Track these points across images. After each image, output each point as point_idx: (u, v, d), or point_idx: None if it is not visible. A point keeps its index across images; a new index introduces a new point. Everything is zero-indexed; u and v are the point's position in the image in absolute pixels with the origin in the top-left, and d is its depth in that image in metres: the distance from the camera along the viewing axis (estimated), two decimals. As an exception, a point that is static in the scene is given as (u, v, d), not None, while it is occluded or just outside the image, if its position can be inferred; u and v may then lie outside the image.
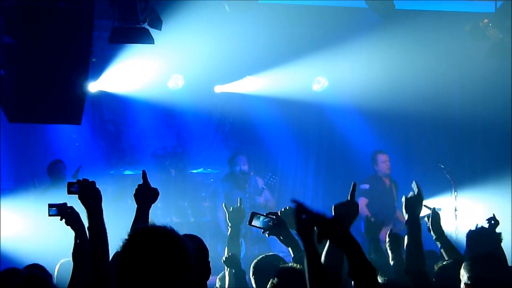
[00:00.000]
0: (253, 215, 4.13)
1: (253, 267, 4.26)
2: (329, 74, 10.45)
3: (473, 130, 10.79)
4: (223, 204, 5.10)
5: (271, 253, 4.65)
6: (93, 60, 7.35)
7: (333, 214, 3.42)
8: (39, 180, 9.59)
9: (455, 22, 9.29)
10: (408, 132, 10.99)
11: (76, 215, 4.15)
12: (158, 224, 2.53)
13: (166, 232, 2.48)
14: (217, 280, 5.21)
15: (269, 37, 9.81)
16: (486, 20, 8.71)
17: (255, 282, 4.21)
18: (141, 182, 4.00)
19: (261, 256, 4.38)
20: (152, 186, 4.02)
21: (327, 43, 9.77)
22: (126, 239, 2.45)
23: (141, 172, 4.05)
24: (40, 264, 5.03)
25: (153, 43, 7.74)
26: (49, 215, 4.32)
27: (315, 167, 10.98)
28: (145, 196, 3.95)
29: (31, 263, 5.12)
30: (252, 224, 4.16)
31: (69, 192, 4.06)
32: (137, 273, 2.39)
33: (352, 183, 3.69)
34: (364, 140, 10.49)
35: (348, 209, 3.43)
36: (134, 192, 3.97)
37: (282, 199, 10.28)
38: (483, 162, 10.73)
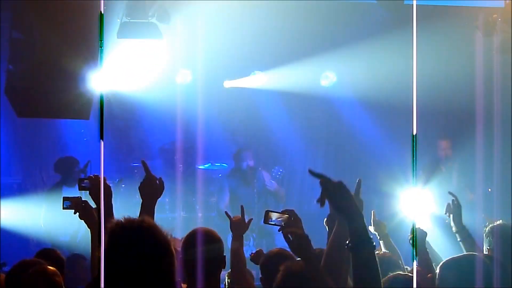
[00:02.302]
0: (268, 213, 4.02)
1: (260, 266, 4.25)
2: (337, 69, 10.42)
3: (484, 126, 10.72)
4: (225, 212, 5.00)
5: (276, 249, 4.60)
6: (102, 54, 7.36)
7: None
8: (48, 175, 9.61)
9: (465, 17, 9.23)
10: (417, 127, 10.93)
11: (90, 209, 4.15)
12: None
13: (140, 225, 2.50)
14: (226, 276, 5.20)
15: (277, 32, 9.79)
16: (495, 15, 8.66)
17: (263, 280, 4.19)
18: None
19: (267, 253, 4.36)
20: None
21: (336, 38, 9.74)
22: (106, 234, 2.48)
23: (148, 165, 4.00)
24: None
25: (161, 38, 7.75)
26: (63, 208, 4.35)
27: (324, 162, 10.96)
28: (150, 190, 3.89)
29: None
30: (269, 223, 4.05)
31: (80, 188, 4.09)
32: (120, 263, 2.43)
33: (358, 180, 3.68)
34: (373, 135, 10.46)
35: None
36: (139, 185, 3.93)
37: (290, 194, 10.27)
38: (487, 158, 10.66)
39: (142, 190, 3.90)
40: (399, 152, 9.60)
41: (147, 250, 2.44)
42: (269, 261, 4.19)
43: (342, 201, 2.74)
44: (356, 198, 3.35)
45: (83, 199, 4.31)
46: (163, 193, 3.95)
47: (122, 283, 2.39)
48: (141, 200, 3.89)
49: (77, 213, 4.18)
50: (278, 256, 4.16)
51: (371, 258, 2.69)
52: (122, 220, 2.48)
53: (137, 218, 2.53)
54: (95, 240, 3.97)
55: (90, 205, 4.14)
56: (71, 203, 4.26)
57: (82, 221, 4.14)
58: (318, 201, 2.75)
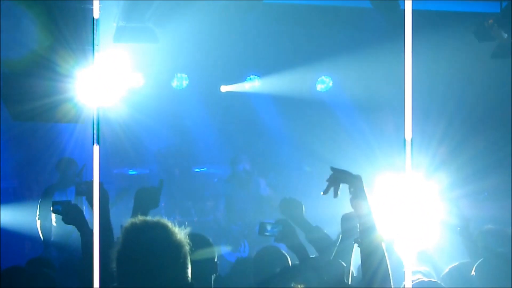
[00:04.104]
0: (263, 225, 4.05)
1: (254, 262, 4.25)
2: (333, 74, 10.42)
3: (478, 130, 10.74)
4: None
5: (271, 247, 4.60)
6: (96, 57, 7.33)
7: (340, 226, 3.44)
8: (44, 178, 9.58)
9: (460, 22, 9.24)
10: (413, 132, 10.93)
11: (79, 212, 4.13)
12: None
13: (158, 224, 2.53)
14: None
15: (274, 37, 9.79)
16: (491, 21, 8.67)
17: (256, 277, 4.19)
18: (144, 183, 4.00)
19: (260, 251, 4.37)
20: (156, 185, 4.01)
21: (332, 42, 9.74)
22: (121, 233, 2.48)
23: (145, 172, 4.05)
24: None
25: (158, 42, 7.73)
26: (53, 212, 4.33)
27: (320, 168, 10.94)
28: (148, 201, 3.96)
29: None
30: (264, 234, 4.07)
31: (78, 193, 4.06)
32: (133, 263, 2.45)
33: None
34: (369, 140, 10.45)
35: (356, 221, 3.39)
36: (137, 191, 3.97)
37: (286, 192, 10.23)
38: (484, 161, 10.67)
39: (141, 195, 3.96)
40: (395, 157, 9.59)
41: (162, 250, 2.43)
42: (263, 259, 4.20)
43: (361, 193, 2.77)
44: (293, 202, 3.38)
45: (79, 203, 4.28)
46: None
47: (135, 283, 2.38)
48: (133, 206, 3.94)
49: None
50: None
51: (379, 251, 2.70)
52: (137, 221, 2.48)
53: (152, 218, 2.53)
54: (86, 245, 3.97)
55: (80, 210, 4.13)
56: (61, 207, 4.23)
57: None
58: (325, 192, 2.78)
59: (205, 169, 10.37)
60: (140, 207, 3.94)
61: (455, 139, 10.79)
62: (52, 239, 8.07)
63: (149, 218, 2.56)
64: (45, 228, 8.06)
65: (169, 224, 2.53)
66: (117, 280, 2.43)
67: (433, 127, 10.74)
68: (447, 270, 4.75)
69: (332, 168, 2.82)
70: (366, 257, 2.68)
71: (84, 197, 5.44)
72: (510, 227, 5.04)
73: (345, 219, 3.58)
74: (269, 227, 3.99)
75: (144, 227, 2.50)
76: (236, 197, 9.25)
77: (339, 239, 3.35)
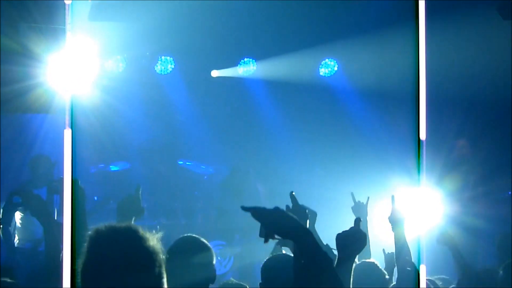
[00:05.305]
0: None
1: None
2: (338, 57, 10.44)
3: (500, 115, 10.75)
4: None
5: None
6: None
7: (335, 244, 3.47)
8: (9, 177, 9.58)
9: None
10: (427, 127, 10.94)
11: (41, 203, 4.14)
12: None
13: (127, 230, 2.52)
14: None
15: (271, 16, 9.79)
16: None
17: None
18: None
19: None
20: (138, 182, 4.08)
21: (337, 22, 9.75)
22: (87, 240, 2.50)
23: (126, 167, 4.11)
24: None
25: (139, 21, 7.74)
26: (12, 204, 4.33)
27: (322, 161, 10.96)
28: (130, 208, 4.05)
29: None
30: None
31: (50, 191, 4.08)
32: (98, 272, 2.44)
33: (291, 192, 3.71)
34: (376, 130, 10.46)
35: (353, 240, 3.42)
36: (118, 203, 4.06)
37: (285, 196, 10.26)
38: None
39: (122, 206, 4.03)
40: (404, 149, 9.62)
41: (134, 260, 2.45)
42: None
43: (282, 227, 2.80)
44: (356, 230, 3.38)
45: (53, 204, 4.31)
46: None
47: None
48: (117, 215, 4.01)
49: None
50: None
51: (330, 274, 2.74)
52: (103, 228, 2.50)
53: (121, 224, 2.55)
54: (50, 243, 4.00)
55: (43, 200, 4.14)
56: (22, 199, 4.21)
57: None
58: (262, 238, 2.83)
59: (190, 163, 10.39)
60: (124, 218, 4.03)
61: (473, 133, 10.82)
62: (18, 244, 8.10)
63: (117, 224, 2.55)
64: (7, 232, 8.10)
65: (140, 229, 2.53)
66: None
67: (448, 122, 10.77)
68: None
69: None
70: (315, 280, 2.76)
71: (57, 196, 5.47)
72: None
73: (341, 238, 3.62)
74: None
75: (111, 234, 2.48)
76: (229, 197, 9.31)
77: (336, 261, 3.36)
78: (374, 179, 9.07)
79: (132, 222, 4.08)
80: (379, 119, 10.61)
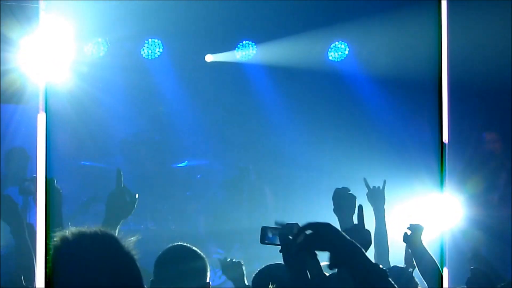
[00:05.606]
0: (265, 230, 3.81)
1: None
2: (349, 39, 10.43)
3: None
4: (217, 258, 5.07)
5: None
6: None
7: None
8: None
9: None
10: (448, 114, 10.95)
11: (7, 200, 4.13)
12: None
13: (98, 236, 2.51)
14: None
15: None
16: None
17: None
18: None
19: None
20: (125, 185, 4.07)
21: (348, 1, 9.75)
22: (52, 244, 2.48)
23: (108, 164, 4.10)
24: None
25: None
26: None
27: (331, 155, 10.94)
28: (119, 207, 4.03)
29: None
30: (266, 242, 3.89)
31: (21, 192, 4.08)
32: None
33: (358, 206, 3.71)
34: (391, 119, 10.45)
35: (356, 237, 3.41)
36: (107, 200, 4.03)
37: (292, 196, 10.26)
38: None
39: (109, 204, 4.01)
40: (423, 141, 9.62)
41: (105, 270, 2.43)
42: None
43: (332, 246, 2.75)
44: (359, 227, 3.37)
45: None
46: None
47: None
48: (104, 216, 3.99)
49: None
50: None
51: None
52: (68, 234, 2.47)
53: (89, 228, 2.52)
54: (20, 249, 4.00)
55: (9, 198, 4.13)
56: None
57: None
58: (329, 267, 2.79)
59: (185, 163, 10.38)
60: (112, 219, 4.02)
61: (501, 126, 10.82)
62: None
63: (85, 228, 2.52)
64: None
65: (113, 235, 2.52)
66: None
67: (472, 114, 10.77)
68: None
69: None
70: None
71: (30, 197, 5.46)
72: None
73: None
74: (274, 231, 3.78)
75: (79, 241, 2.45)
76: (226, 198, 9.32)
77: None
78: (389, 178, 9.05)
79: (121, 222, 4.04)
80: (394, 109, 10.60)
